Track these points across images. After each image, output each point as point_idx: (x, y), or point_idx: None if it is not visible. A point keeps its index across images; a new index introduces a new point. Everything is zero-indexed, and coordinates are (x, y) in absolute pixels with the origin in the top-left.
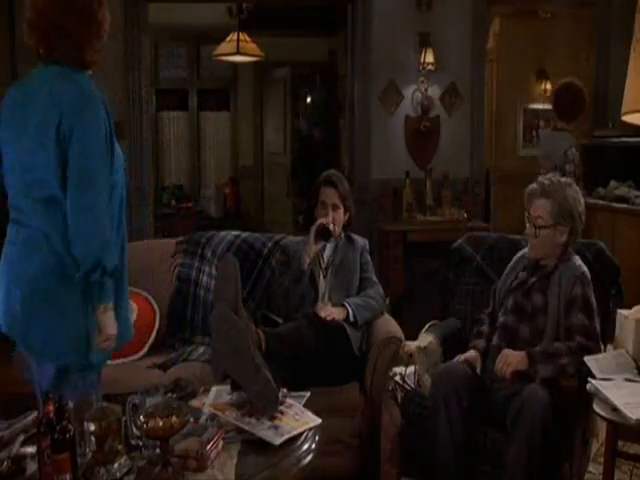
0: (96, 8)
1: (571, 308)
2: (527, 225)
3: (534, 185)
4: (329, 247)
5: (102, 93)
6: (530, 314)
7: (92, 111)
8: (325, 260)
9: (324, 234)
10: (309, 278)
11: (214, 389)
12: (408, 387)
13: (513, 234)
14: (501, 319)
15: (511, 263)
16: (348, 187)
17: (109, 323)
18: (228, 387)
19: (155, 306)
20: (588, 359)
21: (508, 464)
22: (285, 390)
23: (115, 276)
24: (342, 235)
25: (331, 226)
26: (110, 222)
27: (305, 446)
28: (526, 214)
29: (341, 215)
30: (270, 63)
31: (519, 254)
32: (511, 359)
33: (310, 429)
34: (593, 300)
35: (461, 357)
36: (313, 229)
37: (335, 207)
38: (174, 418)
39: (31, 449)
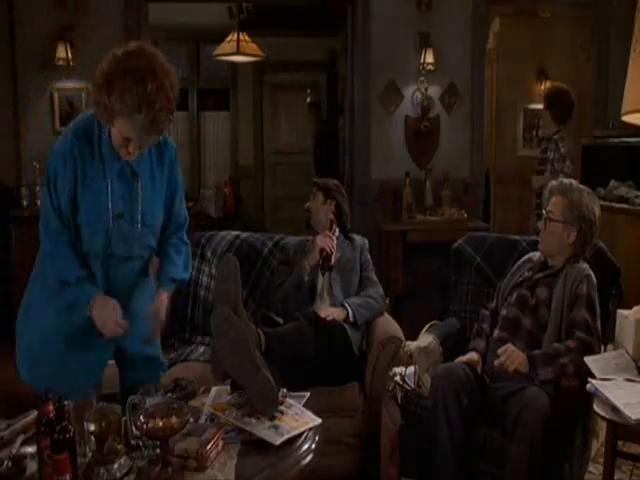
0: (106, 99)
1: (574, 304)
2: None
3: (555, 182)
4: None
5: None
6: (533, 307)
7: (50, 160)
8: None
9: (324, 262)
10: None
11: (214, 389)
12: (408, 387)
13: (513, 234)
14: (503, 312)
15: (518, 263)
16: (335, 182)
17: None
18: (228, 387)
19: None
20: (588, 359)
21: (509, 464)
22: (285, 390)
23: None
24: (335, 228)
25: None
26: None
27: (305, 446)
28: (543, 211)
29: (318, 202)
30: (270, 63)
31: (526, 256)
32: (514, 356)
33: (310, 429)
34: (597, 302)
35: (462, 359)
36: (317, 246)
37: (314, 196)
38: (174, 418)
39: (31, 449)
